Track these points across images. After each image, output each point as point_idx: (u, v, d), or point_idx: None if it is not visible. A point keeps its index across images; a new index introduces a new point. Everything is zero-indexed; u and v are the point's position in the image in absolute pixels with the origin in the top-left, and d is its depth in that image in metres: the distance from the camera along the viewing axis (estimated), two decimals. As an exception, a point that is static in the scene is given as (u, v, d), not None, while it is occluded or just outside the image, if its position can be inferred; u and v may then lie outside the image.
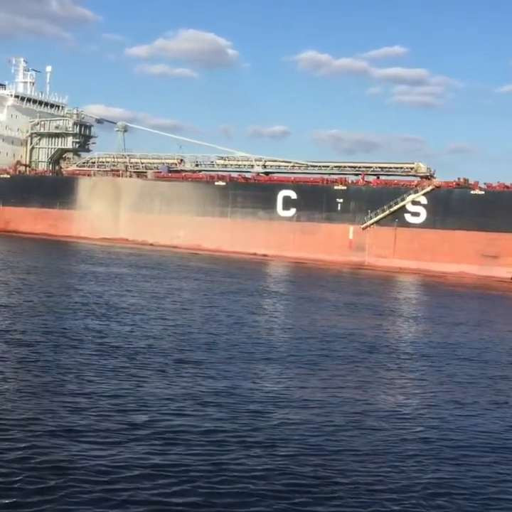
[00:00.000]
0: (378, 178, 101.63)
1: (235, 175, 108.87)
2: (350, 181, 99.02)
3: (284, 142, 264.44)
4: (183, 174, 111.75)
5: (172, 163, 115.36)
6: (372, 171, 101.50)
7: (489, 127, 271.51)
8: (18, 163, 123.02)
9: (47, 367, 22.92)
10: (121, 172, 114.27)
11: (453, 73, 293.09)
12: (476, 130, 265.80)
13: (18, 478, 13.75)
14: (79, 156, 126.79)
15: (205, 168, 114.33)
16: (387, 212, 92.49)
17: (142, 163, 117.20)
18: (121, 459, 15.15)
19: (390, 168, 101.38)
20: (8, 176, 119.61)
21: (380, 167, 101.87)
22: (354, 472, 15.53)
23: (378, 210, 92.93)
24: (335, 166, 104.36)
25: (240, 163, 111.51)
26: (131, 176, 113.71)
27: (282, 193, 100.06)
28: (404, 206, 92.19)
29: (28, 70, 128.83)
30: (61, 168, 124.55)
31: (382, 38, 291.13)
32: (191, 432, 17.34)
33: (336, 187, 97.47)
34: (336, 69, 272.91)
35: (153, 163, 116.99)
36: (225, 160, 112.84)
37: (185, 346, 28.11)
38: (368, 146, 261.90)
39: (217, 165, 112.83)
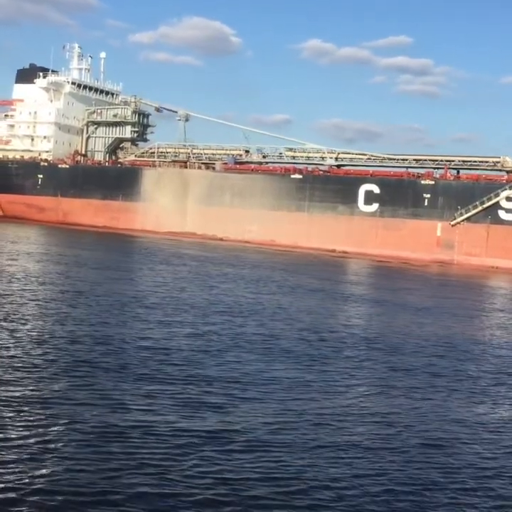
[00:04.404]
0: (458, 172, 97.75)
1: (310, 168, 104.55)
2: (438, 176, 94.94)
3: (285, 131, 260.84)
4: (253, 166, 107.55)
5: (237, 154, 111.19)
6: (454, 165, 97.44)
7: (492, 117, 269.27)
8: (76, 152, 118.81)
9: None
10: (188, 164, 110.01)
11: (457, 63, 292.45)
12: (479, 120, 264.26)
13: None
14: (136, 145, 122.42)
15: (272, 160, 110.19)
16: (479, 208, 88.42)
17: (205, 154, 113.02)
18: None
19: (474, 161, 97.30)
20: (67, 166, 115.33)
21: (462, 160, 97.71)
22: None
23: (470, 207, 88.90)
24: (413, 159, 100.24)
25: (310, 155, 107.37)
26: (200, 168, 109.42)
27: (364, 187, 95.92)
28: (497, 202, 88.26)
29: (82, 57, 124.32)
30: (118, 158, 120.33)
31: (387, 27, 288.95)
32: None
33: (422, 182, 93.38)
34: (339, 58, 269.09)
35: (217, 154, 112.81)
36: (294, 152, 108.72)
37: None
38: (370, 136, 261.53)
39: (287, 157, 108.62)
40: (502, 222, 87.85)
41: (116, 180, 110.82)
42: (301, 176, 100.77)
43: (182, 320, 32.11)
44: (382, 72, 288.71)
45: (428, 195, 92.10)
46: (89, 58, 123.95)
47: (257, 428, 17.50)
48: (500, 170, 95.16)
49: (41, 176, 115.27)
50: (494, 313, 45.97)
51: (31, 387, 19.34)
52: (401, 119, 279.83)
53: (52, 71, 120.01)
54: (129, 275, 50.83)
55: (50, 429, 16.25)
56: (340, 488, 14.31)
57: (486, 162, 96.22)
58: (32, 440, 15.46)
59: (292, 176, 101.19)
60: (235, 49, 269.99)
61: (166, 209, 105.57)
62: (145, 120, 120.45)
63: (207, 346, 26.72)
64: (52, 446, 15.25)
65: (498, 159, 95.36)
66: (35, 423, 16.60)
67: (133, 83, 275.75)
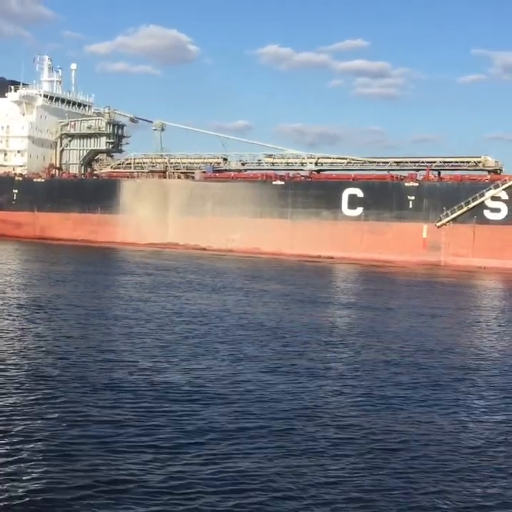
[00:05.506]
0: (439, 173, 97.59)
1: (291, 174, 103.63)
2: (421, 178, 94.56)
3: (246, 136, 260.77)
4: (233, 174, 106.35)
5: (215, 163, 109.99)
6: (436, 166, 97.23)
7: (451, 118, 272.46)
8: (51, 166, 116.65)
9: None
10: (168, 174, 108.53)
11: (415, 65, 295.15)
12: (439, 121, 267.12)
13: None
14: (112, 157, 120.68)
15: (251, 167, 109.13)
16: (465, 209, 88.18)
17: (183, 164, 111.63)
18: None
19: (455, 162, 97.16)
20: (43, 180, 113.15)
21: (444, 161, 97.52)
22: None
23: (455, 207, 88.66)
24: (395, 162, 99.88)
25: (290, 161, 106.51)
26: (179, 177, 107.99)
27: (347, 192, 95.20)
28: (482, 202, 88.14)
29: (53, 69, 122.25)
30: (94, 170, 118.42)
31: (344, 31, 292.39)
32: None
33: (406, 184, 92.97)
34: (297, 63, 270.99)
35: (195, 163, 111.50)
36: (273, 158, 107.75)
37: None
38: (331, 139, 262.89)
39: (266, 163, 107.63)
40: (488, 221, 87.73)
41: (94, 192, 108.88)
42: (283, 183, 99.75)
43: (145, 331, 31.37)
44: (340, 76, 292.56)
45: (412, 198, 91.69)
46: (60, 70, 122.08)
47: (220, 436, 17.19)
48: (481, 169, 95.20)
49: (16, 191, 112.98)
50: (470, 311, 45.64)
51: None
52: (360, 121, 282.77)
53: (23, 84, 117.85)
54: (94, 287, 49.22)
55: (7, 447, 15.67)
56: (306, 496, 14.17)
57: (468, 162, 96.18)
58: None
59: (274, 183, 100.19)
60: (193, 57, 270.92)
61: (147, 220, 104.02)
62: (120, 131, 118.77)
63: (171, 354, 26.37)
64: (10, 463, 14.78)
65: (479, 159, 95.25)
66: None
67: (89, 93, 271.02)
